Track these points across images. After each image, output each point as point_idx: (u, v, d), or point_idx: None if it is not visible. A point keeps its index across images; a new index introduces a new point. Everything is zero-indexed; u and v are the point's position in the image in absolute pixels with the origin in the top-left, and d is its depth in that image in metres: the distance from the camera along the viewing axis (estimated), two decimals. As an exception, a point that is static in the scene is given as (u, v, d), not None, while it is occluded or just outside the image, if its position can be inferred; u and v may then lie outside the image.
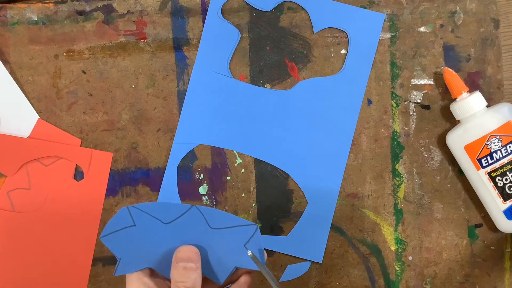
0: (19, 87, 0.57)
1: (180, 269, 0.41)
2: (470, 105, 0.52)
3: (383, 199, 0.57)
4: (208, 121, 0.57)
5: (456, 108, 0.53)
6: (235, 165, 0.57)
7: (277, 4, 0.57)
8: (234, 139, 0.57)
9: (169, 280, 0.42)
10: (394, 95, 0.57)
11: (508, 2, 0.57)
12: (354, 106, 0.57)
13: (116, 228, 0.43)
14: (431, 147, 0.57)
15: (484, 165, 0.52)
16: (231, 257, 0.43)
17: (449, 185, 0.57)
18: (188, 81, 0.57)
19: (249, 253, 0.42)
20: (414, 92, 0.57)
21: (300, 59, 0.57)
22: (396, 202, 0.57)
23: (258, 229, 0.43)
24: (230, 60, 0.57)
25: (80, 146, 0.57)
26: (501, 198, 0.52)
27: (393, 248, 0.57)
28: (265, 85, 0.57)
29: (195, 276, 0.41)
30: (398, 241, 0.57)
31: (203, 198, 0.57)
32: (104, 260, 0.57)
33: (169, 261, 0.42)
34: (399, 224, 0.57)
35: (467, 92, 0.53)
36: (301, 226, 0.56)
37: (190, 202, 0.57)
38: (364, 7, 0.57)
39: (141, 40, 0.57)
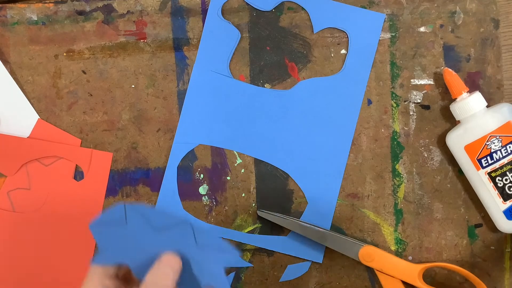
0: (19, 87, 0.57)
1: (159, 272, 0.41)
2: (470, 105, 0.52)
3: (383, 199, 0.57)
4: (208, 121, 0.57)
5: (456, 108, 0.53)
6: (235, 165, 0.57)
7: (277, 4, 0.57)
8: (234, 139, 0.57)
9: (135, 285, 0.43)
10: (394, 95, 0.57)
11: (508, 2, 0.57)
12: (354, 106, 0.57)
13: (107, 221, 0.44)
14: (431, 147, 0.57)
15: (484, 165, 0.52)
16: (206, 276, 0.43)
17: (449, 185, 0.57)
18: (188, 81, 0.57)
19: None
20: (414, 92, 0.57)
21: (300, 59, 0.57)
22: (396, 202, 0.57)
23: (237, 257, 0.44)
24: (230, 60, 0.57)
25: (80, 146, 0.57)
26: (501, 198, 0.52)
27: (393, 248, 0.57)
28: (265, 85, 0.57)
29: (169, 284, 0.41)
30: (398, 241, 0.56)
31: (203, 198, 0.57)
32: (104, 260, 0.57)
33: (148, 265, 0.42)
34: (399, 224, 0.57)
35: (467, 92, 0.53)
36: (301, 226, 0.56)
37: (190, 202, 0.57)
38: (364, 7, 0.57)
39: (141, 40, 0.57)
